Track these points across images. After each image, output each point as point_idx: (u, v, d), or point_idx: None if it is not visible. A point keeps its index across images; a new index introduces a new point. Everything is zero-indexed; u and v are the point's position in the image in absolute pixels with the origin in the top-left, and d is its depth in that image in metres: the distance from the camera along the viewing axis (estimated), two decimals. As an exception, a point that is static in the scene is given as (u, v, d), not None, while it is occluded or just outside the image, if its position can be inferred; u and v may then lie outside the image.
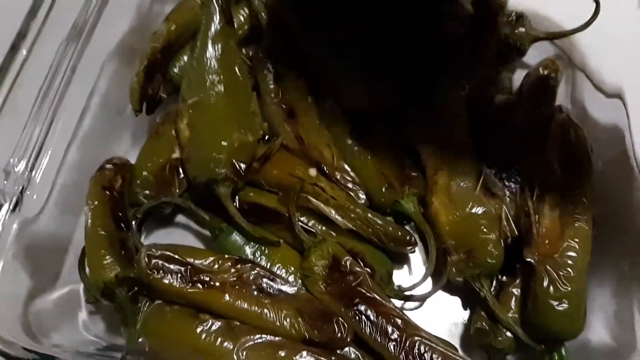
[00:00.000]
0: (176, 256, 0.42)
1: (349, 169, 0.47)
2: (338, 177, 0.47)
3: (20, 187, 0.42)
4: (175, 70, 0.52)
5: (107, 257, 0.41)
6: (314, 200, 0.44)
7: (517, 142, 0.48)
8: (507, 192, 0.46)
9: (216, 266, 0.42)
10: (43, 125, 0.46)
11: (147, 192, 0.47)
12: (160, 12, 0.56)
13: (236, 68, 0.48)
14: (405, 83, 0.48)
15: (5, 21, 0.48)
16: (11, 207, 0.41)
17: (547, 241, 0.44)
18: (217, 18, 0.49)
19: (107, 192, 0.44)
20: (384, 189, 0.46)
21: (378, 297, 0.42)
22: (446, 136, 0.47)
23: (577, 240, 0.43)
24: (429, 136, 0.47)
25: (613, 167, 0.47)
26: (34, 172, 0.44)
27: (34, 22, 0.48)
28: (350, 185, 0.47)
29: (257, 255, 0.45)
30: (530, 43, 0.52)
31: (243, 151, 0.46)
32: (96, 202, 0.43)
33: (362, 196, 0.46)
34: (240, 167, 0.45)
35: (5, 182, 0.42)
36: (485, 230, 0.44)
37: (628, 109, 0.46)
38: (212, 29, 0.49)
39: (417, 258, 0.48)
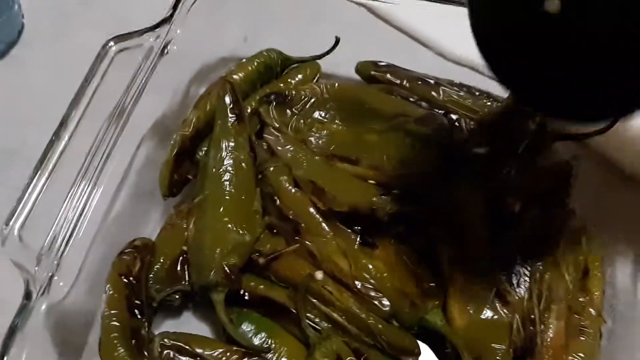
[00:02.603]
0: (187, 347, 0.44)
1: (368, 277, 0.47)
2: (359, 287, 0.47)
3: (50, 274, 0.45)
4: (202, 154, 0.55)
5: (119, 347, 0.43)
6: (317, 303, 0.46)
7: (529, 246, 0.48)
8: (517, 297, 0.46)
9: (224, 358, 0.44)
10: (77, 208, 0.49)
11: (158, 286, 0.49)
12: (196, 93, 0.59)
13: (243, 164, 0.51)
14: (420, 185, 0.49)
15: (52, 108, 0.53)
16: (40, 292, 0.45)
17: (551, 352, 0.44)
18: (228, 114, 0.52)
19: (124, 279, 0.46)
20: (407, 309, 0.46)
21: (378, 401, 0.43)
22: (465, 236, 0.48)
23: (582, 355, 0.43)
24: (448, 236, 0.48)
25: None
26: (64, 256, 0.47)
27: (76, 109, 0.52)
28: (372, 293, 0.46)
29: (264, 347, 0.46)
30: (552, 142, 0.52)
31: (237, 253, 0.47)
32: (112, 291, 0.46)
33: (386, 302, 0.46)
34: (232, 272, 0.46)
35: (36, 268, 0.45)
36: (496, 339, 0.44)
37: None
38: (222, 127, 0.52)
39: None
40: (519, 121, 0.51)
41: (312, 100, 0.55)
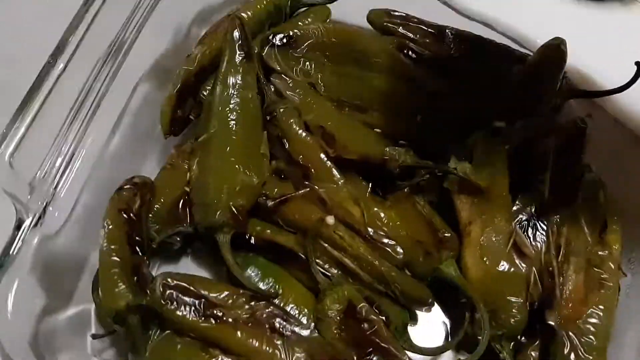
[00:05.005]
0: (191, 288, 0.41)
1: (380, 224, 0.45)
2: (372, 234, 0.45)
3: (44, 203, 0.42)
4: (206, 93, 0.51)
5: (120, 283, 0.40)
6: (329, 248, 0.44)
7: (546, 200, 0.47)
8: (533, 250, 0.45)
9: (230, 301, 0.42)
10: (72, 142, 0.46)
11: (159, 226, 0.46)
12: (198, 35, 0.56)
13: (250, 104, 0.48)
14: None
15: (45, 34, 0.49)
16: (33, 222, 0.41)
17: (570, 305, 0.43)
18: (237, 51, 0.49)
19: (124, 215, 0.43)
20: (421, 259, 0.45)
21: (392, 348, 0.41)
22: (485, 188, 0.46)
23: (601, 307, 0.42)
24: (467, 186, 0.46)
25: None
26: (58, 188, 0.43)
27: (72, 37, 0.48)
28: (385, 240, 0.45)
29: (271, 292, 0.44)
30: (568, 99, 0.51)
31: (245, 194, 0.45)
32: (112, 226, 0.43)
33: (400, 250, 0.45)
34: (240, 213, 0.44)
35: (29, 196, 0.42)
36: (513, 291, 0.43)
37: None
38: (230, 63, 0.48)
39: (435, 310, 0.47)
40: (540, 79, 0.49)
41: (318, 42, 0.52)
